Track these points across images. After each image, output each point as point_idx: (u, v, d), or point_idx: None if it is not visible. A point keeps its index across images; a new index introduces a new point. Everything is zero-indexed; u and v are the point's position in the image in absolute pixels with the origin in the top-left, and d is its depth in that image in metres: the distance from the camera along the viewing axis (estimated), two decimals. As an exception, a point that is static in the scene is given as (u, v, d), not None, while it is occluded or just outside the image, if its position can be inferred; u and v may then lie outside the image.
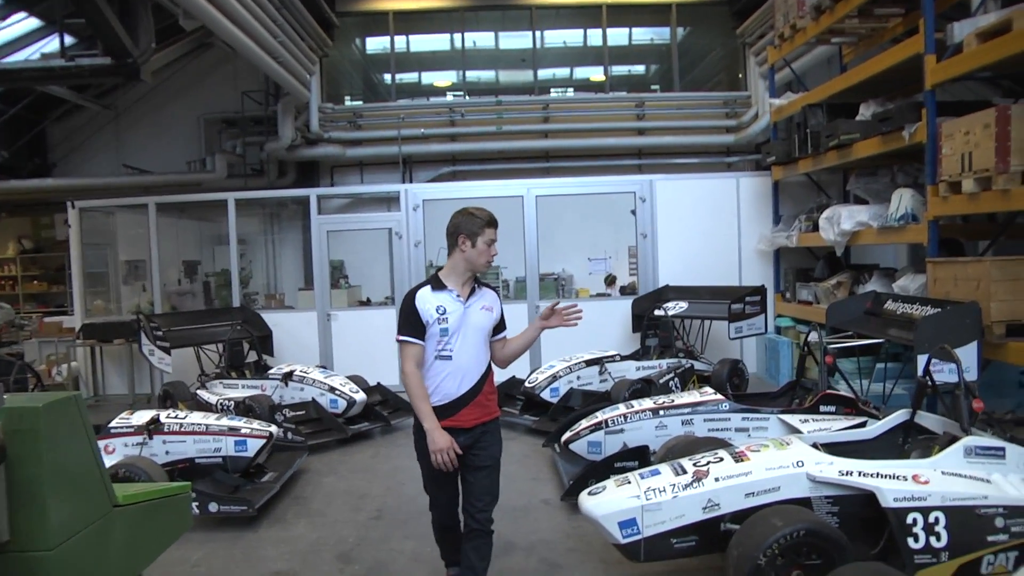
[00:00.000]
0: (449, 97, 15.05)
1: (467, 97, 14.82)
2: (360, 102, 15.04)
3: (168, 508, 3.17)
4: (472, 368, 3.99)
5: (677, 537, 4.14)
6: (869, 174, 9.07)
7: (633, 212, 11.37)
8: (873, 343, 6.79)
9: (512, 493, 5.60)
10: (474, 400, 3.99)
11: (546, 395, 8.59)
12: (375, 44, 15.49)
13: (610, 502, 4.17)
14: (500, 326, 4.19)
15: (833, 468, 4.13)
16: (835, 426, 5.90)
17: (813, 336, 6.71)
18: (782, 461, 4.20)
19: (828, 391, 6.23)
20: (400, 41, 15.06)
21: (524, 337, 4.25)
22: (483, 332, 4.05)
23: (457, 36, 15.19)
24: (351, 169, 14.44)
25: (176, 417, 6.45)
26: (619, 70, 15.69)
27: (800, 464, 4.17)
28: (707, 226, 11.21)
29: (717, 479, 4.16)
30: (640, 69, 16.13)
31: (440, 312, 3.93)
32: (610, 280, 12.60)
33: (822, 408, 6.16)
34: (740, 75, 14.57)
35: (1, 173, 13.11)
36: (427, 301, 3.97)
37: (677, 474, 4.27)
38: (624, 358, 9.38)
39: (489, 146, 13.79)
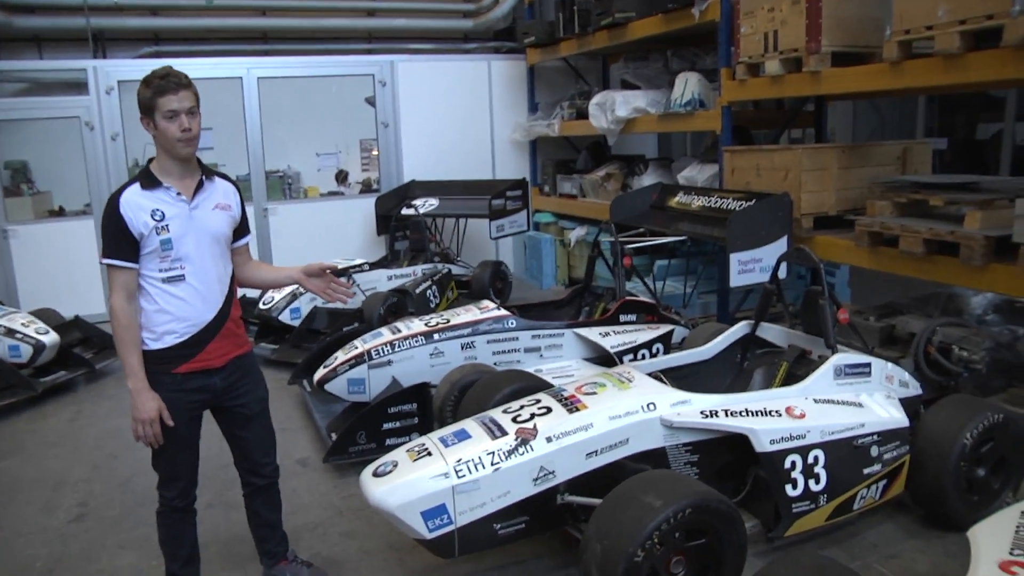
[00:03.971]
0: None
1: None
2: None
3: None
4: (214, 288, 2.98)
5: (501, 521, 3.06)
6: (639, 59, 8.29)
7: (369, 100, 9.91)
8: (671, 241, 6.07)
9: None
10: (222, 329, 3.00)
11: (285, 317, 7.09)
12: None
13: (408, 486, 2.95)
14: (242, 228, 3.17)
15: (693, 409, 3.23)
16: (640, 337, 5.13)
17: (603, 236, 5.86)
18: (629, 406, 3.21)
19: (628, 298, 5.43)
20: None
21: (278, 273, 3.46)
22: (221, 239, 3.02)
23: None
24: (26, 44, 11.10)
25: None
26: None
27: (652, 407, 3.22)
28: (457, 115, 10.02)
29: (549, 439, 3.09)
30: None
31: (157, 218, 2.84)
32: (342, 177, 11.16)
33: (621, 317, 5.37)
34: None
35: None
36: (137, 206, 2.83)
37: (494, 436, 3.13)
38: (372, 266, 8.09)
39: (199, 22, 11.35)
